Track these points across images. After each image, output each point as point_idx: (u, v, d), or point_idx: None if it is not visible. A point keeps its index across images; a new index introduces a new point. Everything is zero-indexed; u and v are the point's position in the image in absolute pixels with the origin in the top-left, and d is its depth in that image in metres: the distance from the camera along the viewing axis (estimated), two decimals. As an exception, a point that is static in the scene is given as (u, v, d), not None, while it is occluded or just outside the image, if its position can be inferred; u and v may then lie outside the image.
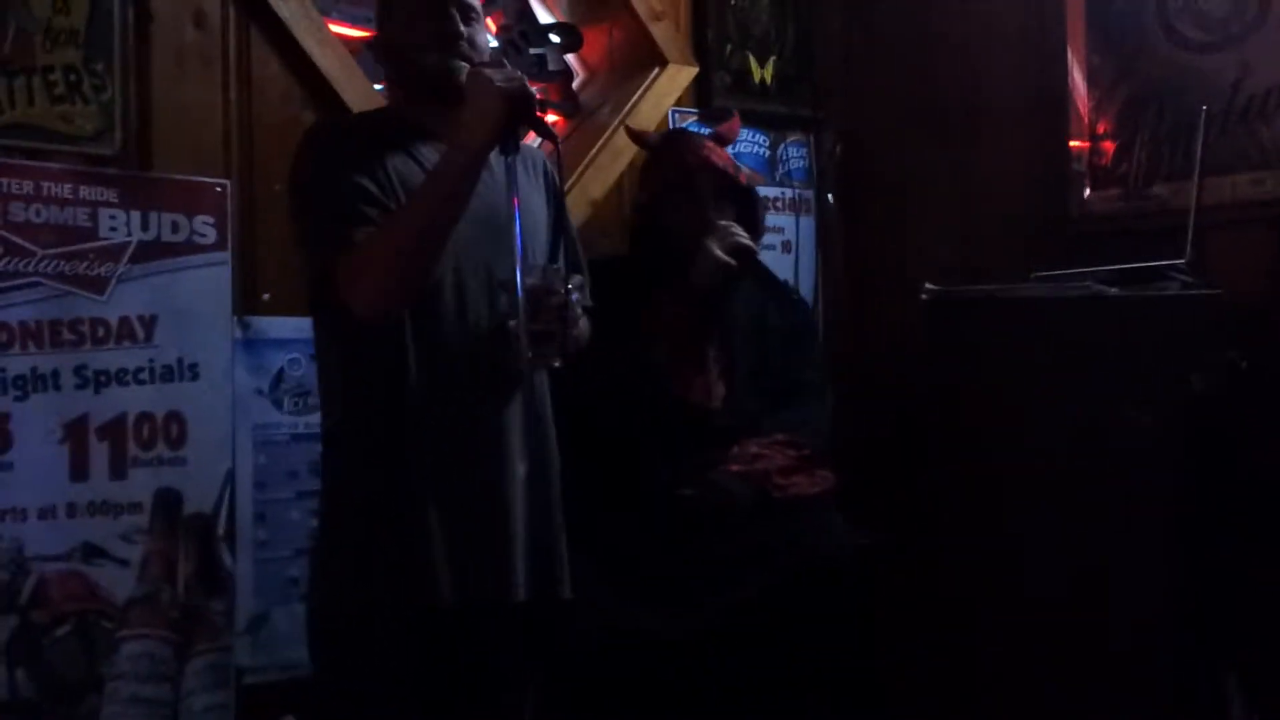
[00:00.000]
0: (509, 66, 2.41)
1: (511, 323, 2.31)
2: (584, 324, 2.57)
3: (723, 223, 3.28)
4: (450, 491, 2.43)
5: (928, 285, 3.45)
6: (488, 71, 2.36)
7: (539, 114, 2.40)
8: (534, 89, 2.46)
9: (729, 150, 3.47)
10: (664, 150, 3.46)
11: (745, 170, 3.54)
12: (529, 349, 2.31)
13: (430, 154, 2.47)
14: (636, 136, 3.57)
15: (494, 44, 3.41)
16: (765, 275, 3.56)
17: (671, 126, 3.91)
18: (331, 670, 2.49)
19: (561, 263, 2.47)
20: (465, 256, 2.46)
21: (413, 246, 2.35)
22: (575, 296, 2.43)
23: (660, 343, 3.26)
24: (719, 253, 3.25)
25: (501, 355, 2.42)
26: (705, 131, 3.60)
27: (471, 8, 2.55)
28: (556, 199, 2.70)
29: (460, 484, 2.45)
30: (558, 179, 2.73)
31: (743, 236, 3.28)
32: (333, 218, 2.38)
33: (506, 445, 2.50)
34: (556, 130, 3.55)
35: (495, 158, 2.39)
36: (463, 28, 2.50)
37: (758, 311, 3.41)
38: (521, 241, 2.29)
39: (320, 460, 2.69)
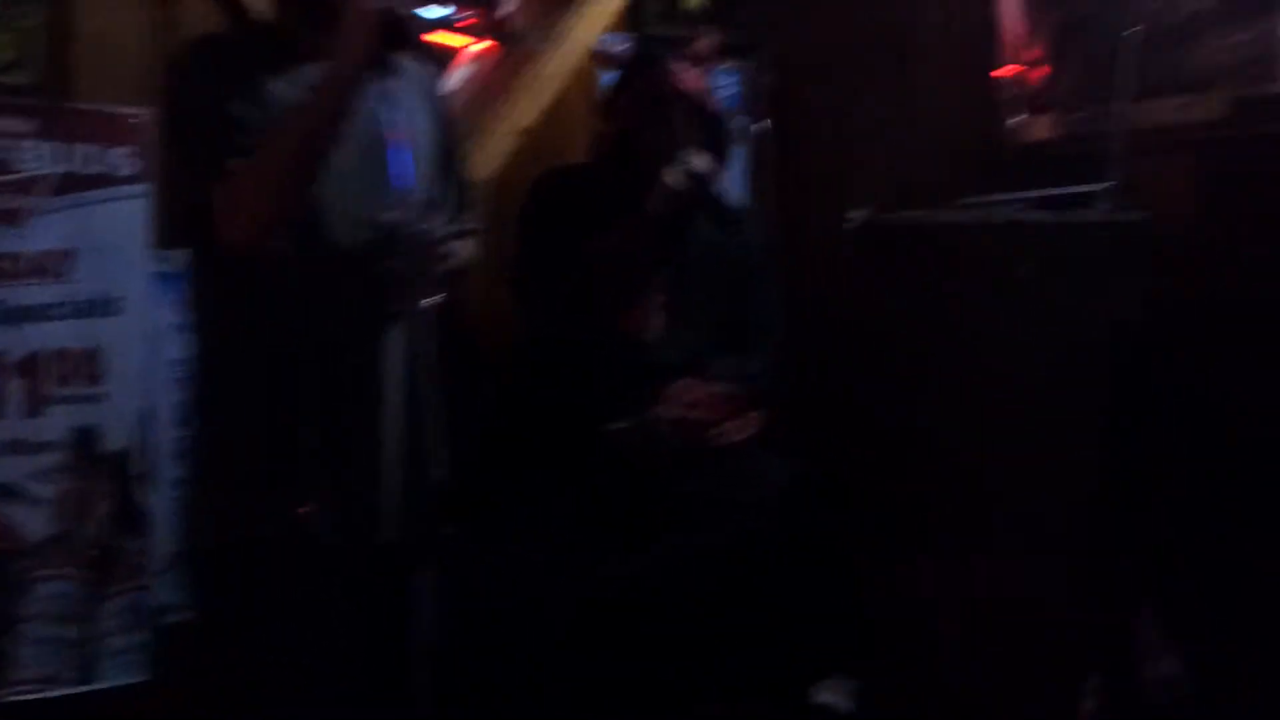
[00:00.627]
0: None
1: (385, 261, 2.29)
2: (467, 248, 2.52)
3: (681, 151, 3.20)
4: (329, 428, 2.39)
5: (853, 212, 3.44)
6: None
7: (415, 35, 2.35)
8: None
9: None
10: (635, 74, 3.38)
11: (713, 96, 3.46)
12: (399, 287, 2.31)
13: (313, 77, 2.37)
14: (605, 59, 3.51)
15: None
16: (721, 207, 3.50)
17: (640, 52, 3.78)
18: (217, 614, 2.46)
19: (448, 190, 2.43)
20: (341, 183, 2.39)
21: (285, 174, 2.28)
22: (444, 230, 2.40)
23: (605, 270, 3.22)
24: (673, 182, 3.20)
25: (376, 293, 2.38)
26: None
27: None
28: (442, 123, 2.62)
29: (340, 422, 2.41)
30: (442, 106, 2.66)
31: (700, 162, 3.20)
32: (207, 147, 2.31)
33: (389, 381, 2.45)
34: (487, 55, 3.50)
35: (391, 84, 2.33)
36: None
37: (711, 241, 3.36)
38: (396, 169, 2.25)
39: (191, 398, 2.58)
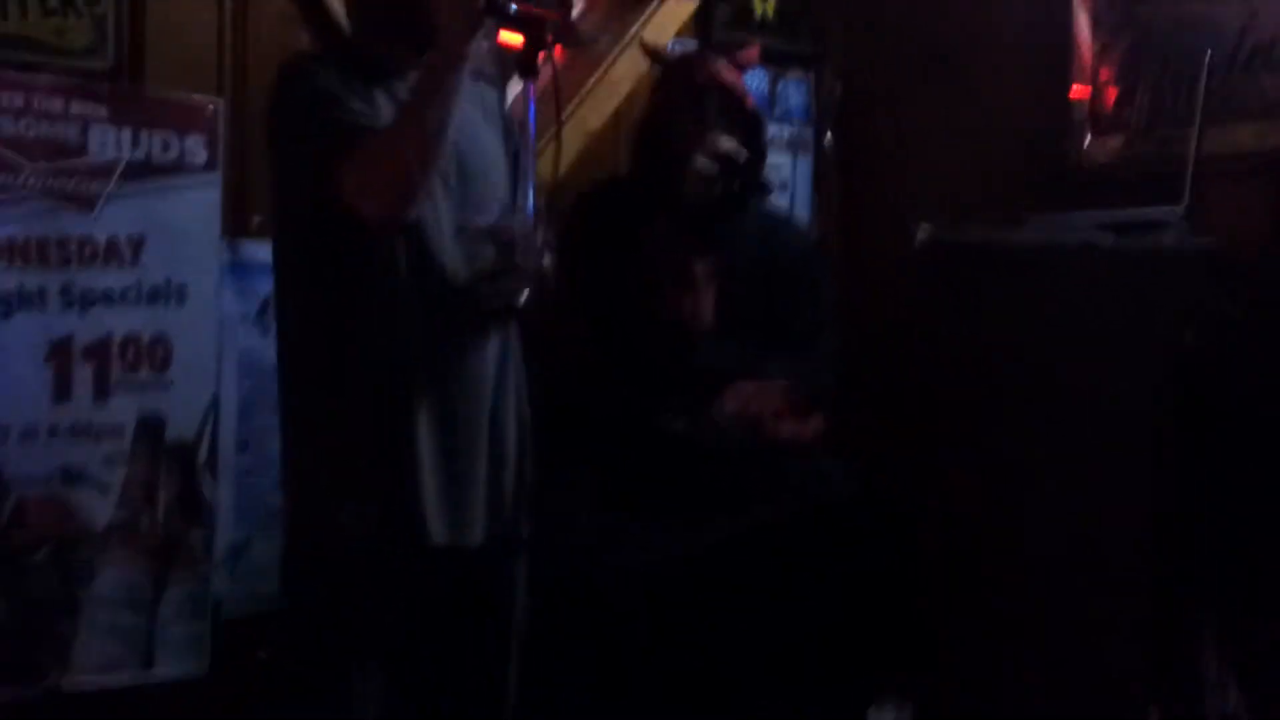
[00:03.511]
0: None
1: (480, 264, 2.32)
2: (547, 259, 2.54)
3: (712, 135, 3.22)
4: (441, 426, 2.40)
5: (922, 226, 3.42)
6: None
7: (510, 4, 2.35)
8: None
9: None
10: (675, 68, 3.41)
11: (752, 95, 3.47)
12: (495, 288, 2.35)
13: (404, 91, 2.40)
14: (652, 52, 3.53)
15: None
16: (769, 210, 3.53)
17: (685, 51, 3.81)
18: (306, 607, 2.44)
19: (524, 201, 2.45)
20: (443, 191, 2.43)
21: (417, 144, 2.28)
22: (537, 234, 2.41)
23: (650, 264, 3.23)
24: (704, 164, 3.21)
25: (474, 295, 2.41)
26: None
27: None
28: (513, 140, 2.65)
29: (450, 420, 2.41)
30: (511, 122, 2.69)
31: (728, 143, 3.22)
32: (335, 125, 2.31)
33: (488, 384, 2.47)
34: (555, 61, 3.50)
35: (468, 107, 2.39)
36: None
37: (763, 242, 3.36)
38: (478, 181, 2.32)
39: (283, 383, 2.56)
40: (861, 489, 3.21)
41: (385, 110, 2.38)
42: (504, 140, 2.64)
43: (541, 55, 2.43)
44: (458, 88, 2.30)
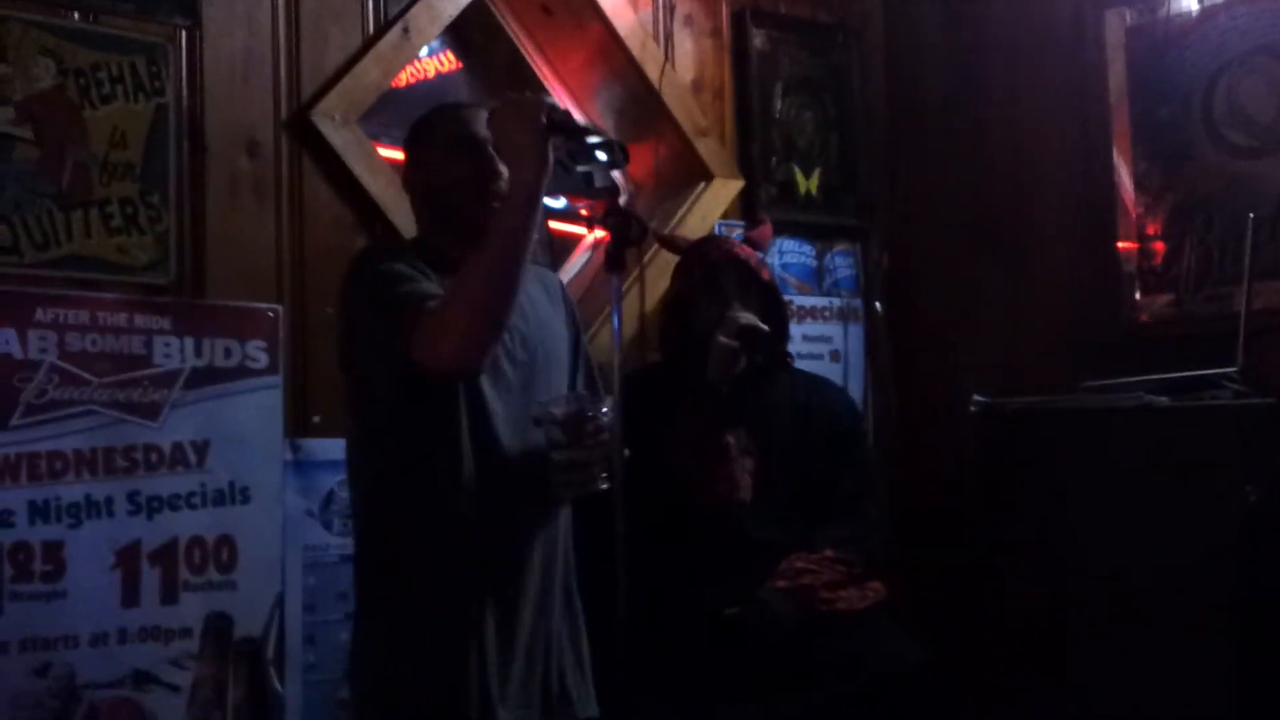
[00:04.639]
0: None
1: (555, 454, 2.35)
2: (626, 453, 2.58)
3: (730, 313, 3.29)
4: (504, 612, 2.45)
5: (976, 397, 3.44)
6: (503, 100, 2.41)
7: (576, 126, 2.42)
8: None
9: (760, 256, 3.50)
10: (692, 251, 3.50)
11: (769, 269, 3.57)
12: (570, 477, 2.38)
13: None
14: (665, 241, 3.62)
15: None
16: (805, 377, 3.55)
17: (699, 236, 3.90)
18: None
19: (581, 386, 2.51)
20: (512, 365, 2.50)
21: (489, 292, 2.32)
22: (608, 419, 2.45)
23: (684, 441, 3.27)
24: (724, 338, 3.26)
25: (546, 485, 2.46)
26: (737, 236, 3.64)
27: None
28: (575, 323, 2.74)
29: (513, 605, 2.47)
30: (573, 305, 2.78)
31: (747, 318, 3.29)
32: (406, 293, 2.38)
33: (546, 570, 2.53)
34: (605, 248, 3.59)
35: (531, 288, 2.46)
36: (500, 166, 2.48)
37: (801, 407, 3.39)
38: (543, 357, 2.40)
39: (357, 571, 2.65)
40: (926, 656, 3.18)
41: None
42: (569, 322, 2.72)
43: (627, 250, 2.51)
44: (532, 224, 2.34)
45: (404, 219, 3.34)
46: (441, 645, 2.43)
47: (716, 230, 3.96)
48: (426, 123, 2.66)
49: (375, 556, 2.56)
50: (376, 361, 2.45)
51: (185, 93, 3.17)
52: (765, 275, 3.47)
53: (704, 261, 3.41)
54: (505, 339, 2.44)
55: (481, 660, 2.42)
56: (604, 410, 2.44)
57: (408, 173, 2.69)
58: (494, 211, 2.41)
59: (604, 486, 2.45)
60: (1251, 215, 3.41)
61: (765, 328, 3.31)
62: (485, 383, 2.46)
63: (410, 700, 2.42)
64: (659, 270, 3.83)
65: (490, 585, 2.46)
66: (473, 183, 2.51)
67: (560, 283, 2.83)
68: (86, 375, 2.98)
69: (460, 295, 2.33)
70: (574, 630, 2.62)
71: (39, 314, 2.94)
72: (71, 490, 2.95)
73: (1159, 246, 3.77)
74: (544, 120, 2.33)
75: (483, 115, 2.53)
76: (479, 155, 2.52)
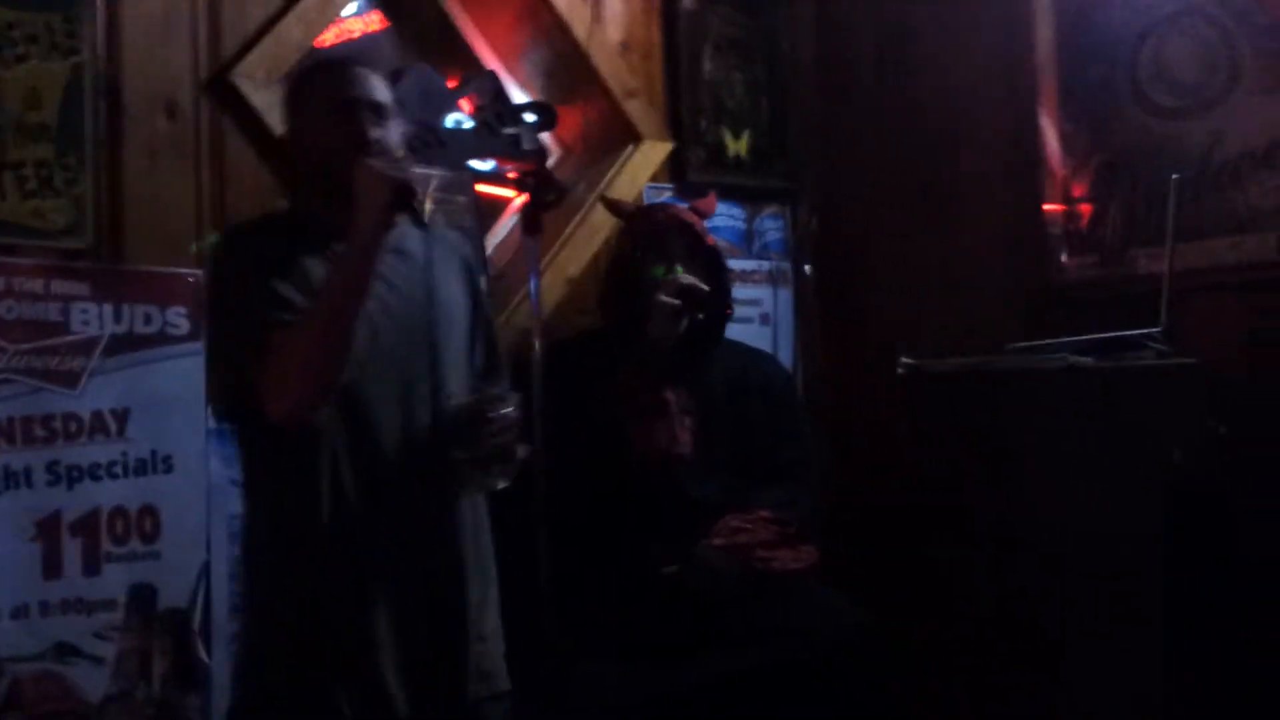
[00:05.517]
0: (393, 156, 2.45)
1: (456, 453, 2.37)
2: (522, 450, 2.56)
3: (671, 274, 3.32)
4: (398, 599, 2.43)
5: (903, 359, 3.45)
6: (370, 162, 2.38)
7: (422, 196, 2.41)
8: (431, 174, 2.44)
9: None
10: (637, 215, 3.55)
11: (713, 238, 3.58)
12: (473, 475, 2.41)
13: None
14: (613, 206, 3.63)
15: (469, 124, 3.45)
16: (738, 345, 3.61)
17: (647, 202, 3.91)
18: None
19: (479, 358, 2.53)
20: (389, 357, 2.47)
21: (319, 347, 2.35)
22: (512, 413, 2.44)
23: (625, 399, 3.28)
24: (665, 297, 3.28)
25: (446, 481, 2.45)
26: (683, 204, 3.64)
27: (381, 106, 2.53)
28: (474, 291, 2.70)
29: (406, 592, 2.44)
30: (479, 271, 2.76)
31: (688, 278, 3.31)
32: (248, 326, 2.38)
33: (446, 551, 2.50)
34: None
35: (416, 250, 2.46)
36: (373, 130, 2.47)
37: (736, 376, 3.44)
38: (440, 337, 2.38)
39: (241, 565, 2.65)
40: (862, 620, 3.21)
41: (319, 280, 2.42)
42: (468, 290, 2.68)
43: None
44: (366, 285, 2.37)
45: (328, 183, 3.31)
46: (336, 647, 2.42)
47: (645, 196, 3.94)
48: (309, 78, 2.63)
49: (256, 556, 2.56)
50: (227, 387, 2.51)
51: (103, 52, 3.09)
52: (709, 240, 3.48)
53: (649, 225, 3.45)
54: (374, 316, 2.43)
55: (376, 657, 2.41)
56: (506, 407, 2.43)
57: (287, 138, 2.66)
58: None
59: (501, 485, 2.47)
60: (1175, 176, 3.43)
61: (706, 288, 3.33)
62: (359, 381, 2.44)
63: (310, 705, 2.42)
64: (587, 234, 3.82)
65: (378, 585, 2.44)
66: (347, 143, 2.46)
67: (467, 248, 2.77)
68: (2, 343, 2.91)
69: (290, 355, 2.33)
70: (484, 601, 2.58)
71: (-48, 280, 2.88)
72: (-12, 461, 2.89)
73: (1085, 209, 3.80)
74: (391, 198, 2.34)
75: (365, 75, 2.52)
76: (354, 121, 2.47)
